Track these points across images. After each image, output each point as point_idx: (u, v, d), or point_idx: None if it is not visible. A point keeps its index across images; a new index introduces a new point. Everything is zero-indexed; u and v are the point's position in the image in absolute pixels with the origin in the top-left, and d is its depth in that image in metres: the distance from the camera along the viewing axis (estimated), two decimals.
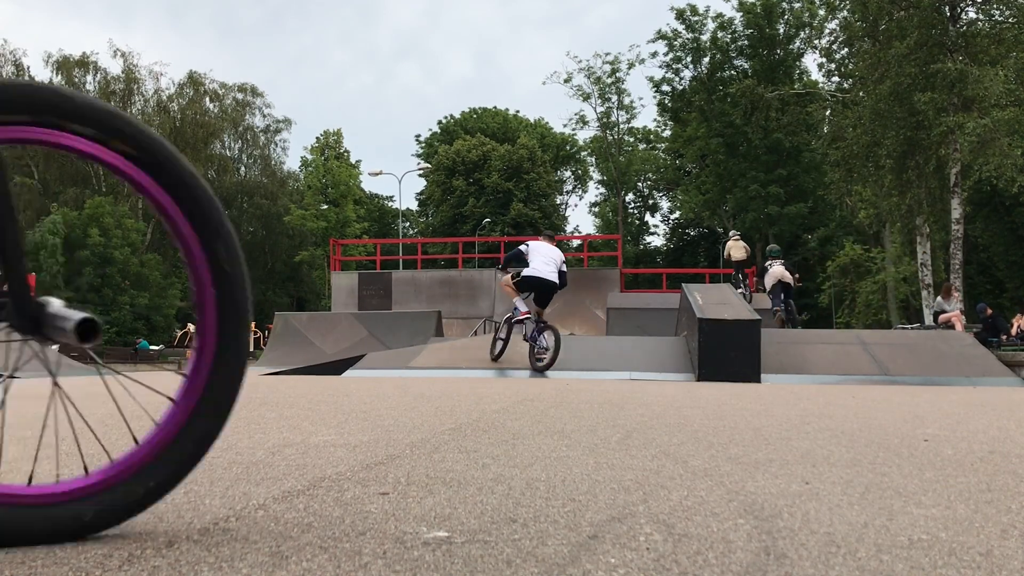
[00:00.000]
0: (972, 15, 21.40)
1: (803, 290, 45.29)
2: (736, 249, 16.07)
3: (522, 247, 8.69)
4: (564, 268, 8.66)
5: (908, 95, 19.76)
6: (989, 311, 14.36)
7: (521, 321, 8.66)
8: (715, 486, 1.54)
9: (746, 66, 42.47)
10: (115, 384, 1.23)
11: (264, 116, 49.07)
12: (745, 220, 41.78)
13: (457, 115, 57.08)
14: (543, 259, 8.44)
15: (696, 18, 42.82)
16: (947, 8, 20.49)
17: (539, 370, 8.35)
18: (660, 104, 46.48)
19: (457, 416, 3.07)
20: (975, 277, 30.22)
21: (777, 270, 13.12)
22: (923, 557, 1.04)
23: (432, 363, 9.24)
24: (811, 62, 62.68)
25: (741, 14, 42.00)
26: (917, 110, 19.47)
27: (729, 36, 42.71)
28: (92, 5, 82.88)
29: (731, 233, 17.34)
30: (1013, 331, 13.24)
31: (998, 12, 21.03)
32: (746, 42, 42.51)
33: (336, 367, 9.82)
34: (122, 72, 40.96)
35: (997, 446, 2.29)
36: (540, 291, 8.48)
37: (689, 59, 43.68)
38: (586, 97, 49.85)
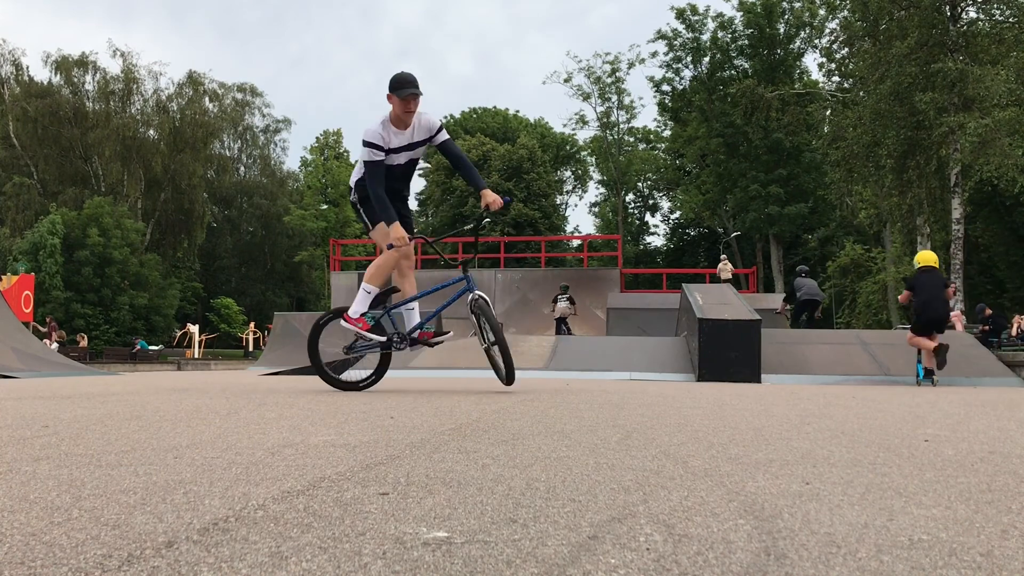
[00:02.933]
0: (972, 15, 21.40)
1: None
2: (724, 272, 18.63)
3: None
4: None
5: (908, 95, 19.76)
6: (988, 311, 14.36)
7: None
8: (715, 486, 1.54)
9: (746, 66, 42.45)
10: None
11: (264, 116, 49.23)
12: (745, 220, 41.75)
13: (457, 115, 57.13)
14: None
15: (696, 18, 42.83)
16: (947, 8, 20.47)
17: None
18: (660, 104, 46.51)
19: (457, 416, 3.06)
20: (976, 277, 30.21)
21: (563, 306, 16.02)
22: (923, 557, 1.04)
23: (432, 363, 9.24)
24: (811, 62, 62.68)
25: (741, 14, 41.99)
26: (918, 110, 19.46)
27: (729, 36, 42.70)
28: (92, 5, 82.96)
29: (722, 256, 20.14)
30: (1013, 331, 13.23)
31: (998, 12, 21.03)
32: (746, 42, 42.49)
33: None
34: (121, 72, 40.98)
35: (997, 446, 2.29)
36: None
37: (689, 59, 43.69)
38: (586, 97, 49.92)
